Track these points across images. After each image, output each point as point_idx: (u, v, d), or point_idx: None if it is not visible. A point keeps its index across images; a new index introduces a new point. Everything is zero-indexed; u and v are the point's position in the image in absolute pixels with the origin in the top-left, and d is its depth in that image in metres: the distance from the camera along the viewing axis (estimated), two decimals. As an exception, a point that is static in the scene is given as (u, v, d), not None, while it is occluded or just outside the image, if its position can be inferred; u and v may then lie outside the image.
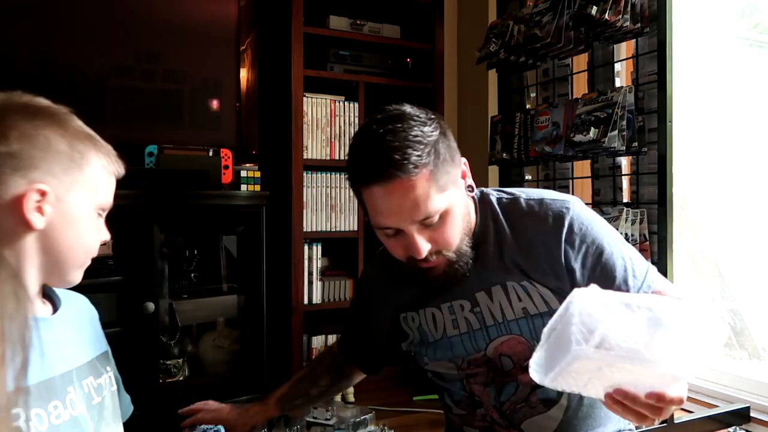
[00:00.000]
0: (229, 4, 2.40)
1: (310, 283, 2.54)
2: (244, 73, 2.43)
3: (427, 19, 2.77)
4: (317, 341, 2.60)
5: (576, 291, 0.79)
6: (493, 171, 2.63)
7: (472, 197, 1.17)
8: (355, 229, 2.62)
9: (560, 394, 1.07)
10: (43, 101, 0.88)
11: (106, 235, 0.94)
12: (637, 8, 1.86)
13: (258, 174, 2.27)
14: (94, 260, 0.93)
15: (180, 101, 2.35)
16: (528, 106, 2.47)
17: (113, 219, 0.96)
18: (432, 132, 1.02)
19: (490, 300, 1.12)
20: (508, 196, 1.17)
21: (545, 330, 0.81)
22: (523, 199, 1.15)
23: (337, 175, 2.58)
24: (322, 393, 1.42)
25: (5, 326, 0.41)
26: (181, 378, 2.22)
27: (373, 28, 2.64)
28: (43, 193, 0.82)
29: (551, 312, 1.09)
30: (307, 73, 2.48)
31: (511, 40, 2.23)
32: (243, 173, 2.25)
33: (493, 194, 1.19)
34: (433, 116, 1.06)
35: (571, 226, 1.09)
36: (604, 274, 1.08)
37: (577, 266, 1.08)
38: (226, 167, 2.22)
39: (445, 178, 1.02)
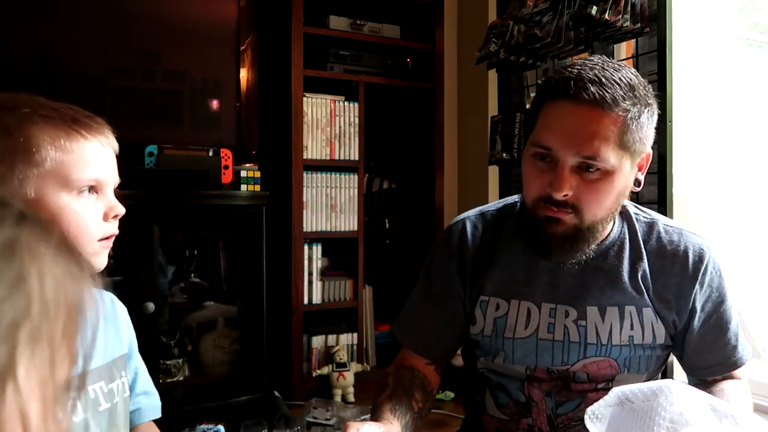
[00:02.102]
0: (229, 4, 2.40)
1: (310, 283, 2.54)
2: (244, 73, 2.43)
3: (427, 19, 2.77)
4: (317, 341, 2.60)
5: (670, 382, 0.78)
6: (493, 171, 2.63)
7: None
8: (355, 229, 2.62)
9: None
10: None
11: (115, 210, 0.87)
12: (637, 8, 1.86)
13: (258, 174, 2.27)
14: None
15: (180, 101, 2.35)
16: (528, 106, 2.47)
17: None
18: (645, 97, 0.98)
19: (600, 319, 1.06)
20: (646, 216, 1.12)
21: (618, 391, 0.79)
22: (661, 224, 1.11)
23: (337, 175, 2.58)
24: (420, 409, 1.10)
25: (82, 328, 0.40)
26: (181, 378, 2.22)
27: (373, 28, 2.64)
28: None
29: (653, 346, 1.07)
30: (307, 73, 2.48)
31: (511, 40, 2.23)
32: (243, 173, 2.25)
33: (630, 207, 1.13)
34: (653, 96, 1.01)
35: (707, 268, 1.07)
36: (717, 324, 1.08)
37: (698, 307, 1.07)
38: (226, 167, 2.22)
39: (631, 141, 0.96)
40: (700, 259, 1.07)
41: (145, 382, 1.05)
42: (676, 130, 1.84)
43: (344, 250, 2.69)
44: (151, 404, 1.06)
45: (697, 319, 1.07)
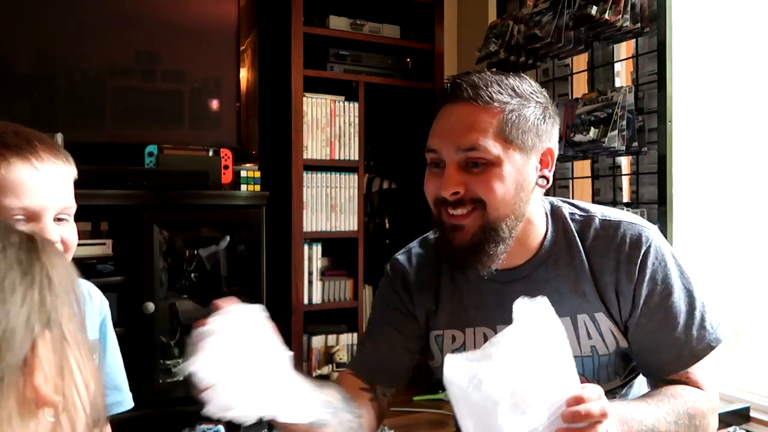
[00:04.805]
0: (229, 4, 2.40)
1: (310, 283, 2.54)
2: (244, 73, 2.43)
3: (427, 19, 2.77)
4: (317, 341, 2.60)
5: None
6: (493, 171, 2.63)
7: (545, 209, 1.05)
8: (355, 229, 2.62)
9: None
10: None
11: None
12: (637, 8, 1.86)
13: (258, 174, 2.27)
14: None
15: (180, 101, 2.35)
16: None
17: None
18: (532, 95, 0.99)
19: None
20: (582, 213, 1.06)
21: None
22: (598, 218, 1.04)
23: (337, 175, 2.58)
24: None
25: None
26: (181, 378, 2.21)
27: (373, 28, 2.64)
28: None
29: (617, 351, 1.01)
30: (307, 73, 2.48)
31: (511, 40, 2.23)
32: (243, 173, 2.25)
33: (565, 208, 1.07)
34: (545, 97, 1.02)
35: (646, 258, 0.99)
36: (665, 319, 0.99)
37: (640, 301, 0.99)
38: (226, 167, 2.22)
39: (514, 133, 0.95)
40: (636, 247, 0.99)
41: (118, 376, 1.06)
42: (676, 130, 1.84)
43: (344, 250, 2.69)
44: (119, 400, 1.06)
45: (640, 314, 0.99)
